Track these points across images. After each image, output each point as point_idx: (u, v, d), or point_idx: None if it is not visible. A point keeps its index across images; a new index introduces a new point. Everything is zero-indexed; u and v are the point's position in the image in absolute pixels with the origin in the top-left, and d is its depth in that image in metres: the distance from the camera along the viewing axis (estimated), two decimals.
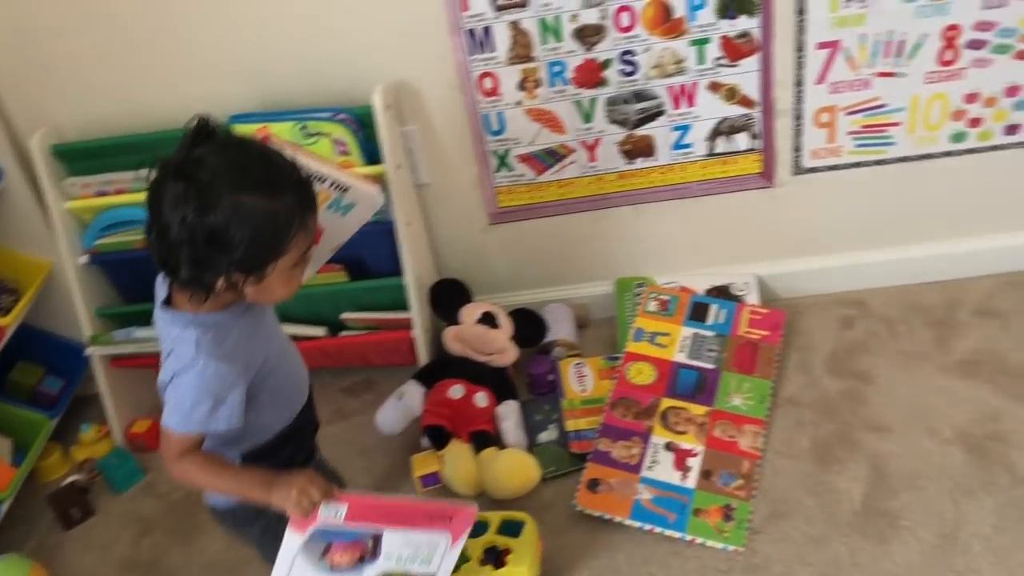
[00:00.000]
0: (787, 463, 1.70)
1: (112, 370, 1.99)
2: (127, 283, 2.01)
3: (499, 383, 1.85)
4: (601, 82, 1.79)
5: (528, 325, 1.96)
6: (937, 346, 1.87)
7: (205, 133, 1.13)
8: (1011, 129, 1.83)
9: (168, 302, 1.21)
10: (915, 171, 1.89)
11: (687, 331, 1.94)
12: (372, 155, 1.80)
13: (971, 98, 1.79)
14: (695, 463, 1.71)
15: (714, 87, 1.79)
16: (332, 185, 1.28)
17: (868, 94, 1.79)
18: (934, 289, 2.01)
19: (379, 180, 1.79)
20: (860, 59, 1.75)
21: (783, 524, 1.60)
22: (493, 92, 1.81)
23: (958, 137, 1.84)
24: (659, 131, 1.85)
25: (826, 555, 1.53)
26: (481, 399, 1.80)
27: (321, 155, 1.47)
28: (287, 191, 1.13)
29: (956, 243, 1.99)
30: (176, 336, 1.19)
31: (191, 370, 1.16)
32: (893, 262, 2.01)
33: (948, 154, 1.87)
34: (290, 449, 1.36)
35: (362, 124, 1.79)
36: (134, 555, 1.80)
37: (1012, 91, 1.78)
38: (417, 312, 1.86)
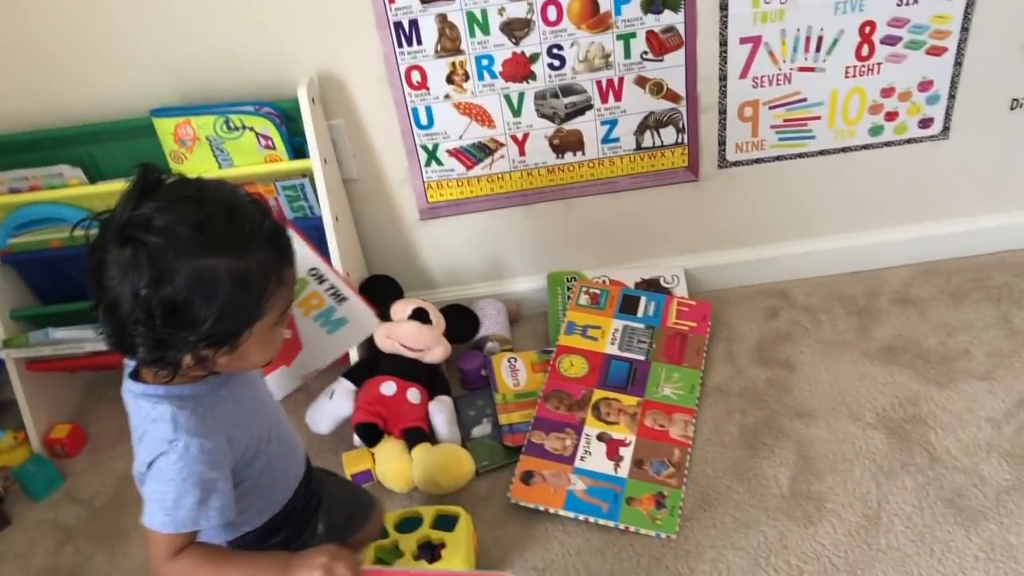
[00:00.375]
0: (716, 450, 1.73)
1: (28, 374, 1.91)
2: (43, 284, 1.94)
3: (431, 379, 1.84)
4: (529, 76, 1.80)
5: (460, 320, 1.95)
6: (858, 334, 1.93)
7: (151, 184, 0.94)
8: (925, 123, 1.89)
9: (135, 374, 1.04)
10: (835, 164, 1.94)
11: (618, 324, 1.96)
12: (298, 150, 1.78)
13: (887, 92, 1.85)
14: (627, 453, 1.72)
15: (640, 81, 1.82)
16: (330, 290, 1.14)
17: (789, 88, 1.83)
18: (855, 279, 2.07)
19: (305, 174, 1.78)
20: (781, 54, 1.79)
21: (714, 510, 1.62)
22: (421, 85, 1.80)
23: (875, 131, 1.90)
24: (587, 125, 1.87)
25: (756, 539, 1.56)
26: (413, 395, 1.78)
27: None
28: (258, 245, 0.96)
29: (875, 234, 2.05)
30: (146, 414, 1.02)
31: (171, 453, 0.99)
32: (815, 253, 2.06)
33: (866, 147, 1.92)
34: (285, 534, 1.19)
35: (287, 118, 1.76)
36: (54, 564, 1.73)
37: (925, 86, 1.84)
38: None
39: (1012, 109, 1.88)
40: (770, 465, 1.69)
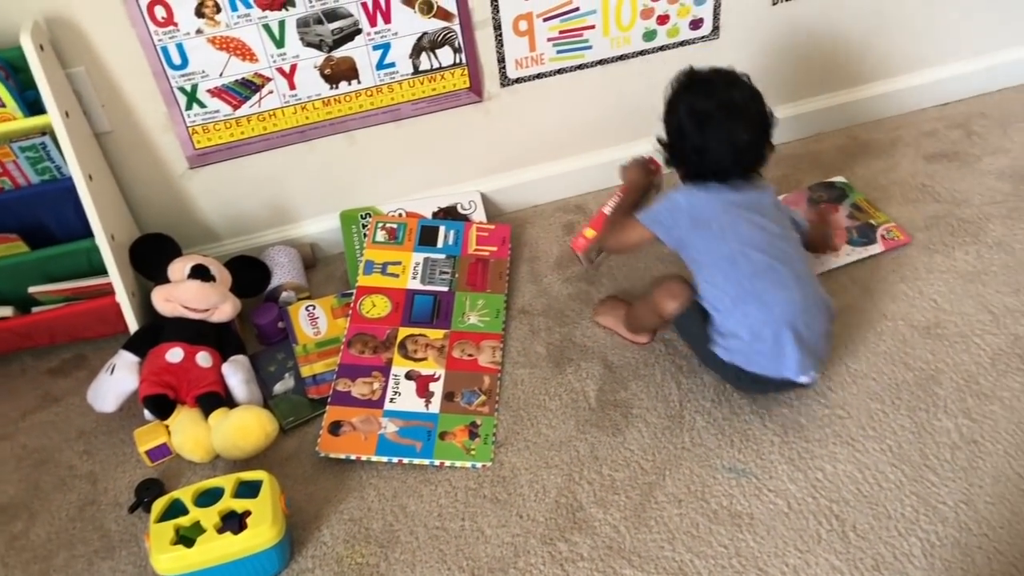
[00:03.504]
0: (525, 372, 1.73)
1: None
2: None
3: (222, 339, 1.73)
4: (288, 2, 1.66)
5: (248, 272, 1.83)
6: None
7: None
8: (695, 24, 1.91)
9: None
10: (615, 72, 1.93)
11: (418, 257, 1.90)
12: (33, 104, 1.58)
13: None
14: (437, 387, 1.69)
15: (409, 1, 1.72)
16: None
17: None
18: None
19: (45, 131, 1.59)
20: None
21: (527, 432, 1.62)
22: (168, 22, 1.63)
23: (649, 36, 1.90)
24: (359, 51, 1.76)
25: (569, 455, 1.58)
26: (203, 359, 1.66)
27: None
28: None
29: None
30: None
31: None
32: (606, 164, 2.05)
33: (642, 53, 1.92)
34: None
35: (14, 69, 1.56)
36: None
37: None
38: (117, 275, 1.68)
39: (774, 4, 1.93)
40: (577, 379, 1.70)
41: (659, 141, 1.64)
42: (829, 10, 1.97)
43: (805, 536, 1.43)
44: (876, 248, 1.87)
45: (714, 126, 1.52)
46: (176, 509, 1.44)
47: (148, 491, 1.56)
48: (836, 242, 1.85)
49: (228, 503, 1.42)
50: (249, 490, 1.45)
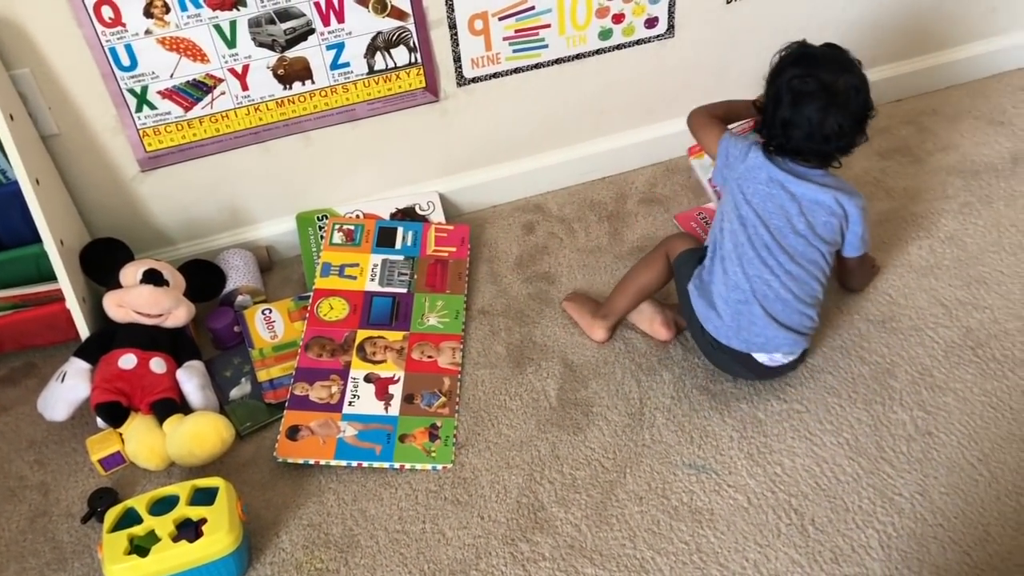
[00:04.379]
0: (485, 372, 1.72)
1: None
2: None
3: (177, 344, 1.69)
4: (239, 2, 1.64)
5: (202, 276, 1.80)
6: (611, 238, 1.96)
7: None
8: (651, 22, 1.92)
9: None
10: (571, 71, 1.93)
11: (376, 258, 1.89)
12: None
13: None
14: (397, 390, 1.67)
15: (362, 1, 1.70)
16: None
17: None
18: (604, 184, 2.10)
19: None
20: None
21: (487, 433, 1.61)
22: (116, 22, 1.60)
23: (605, 34, 1.90)
24: (312, 51, 1.74)
25: (530, 455, 1.57)
26: (157, 365, 1.63)
27: None
28: None
29: (618, 137, 2.08)
30: None
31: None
32: (565, 164, 2.07)
33: (599, 52, 1.92)
34: None
35: None
36: None
37: None
38: (67, 281, 1.64)
39: (728, 3, 1.94)
40: (538, 379, 1.70)
41: (754, 104, 1.65)
42: (782, 8, 1.98)
43: (764, 531, 1.44)
44: None
45: (809, 106, 1.50)
46: (130, 518, 1.41)
47: (101, 501, 1.53)
48: (860, 285, 1.81)
49: (183, 511, 1.40)
50: (205, 497, 1.43)
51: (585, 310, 1.77)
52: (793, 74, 1.53)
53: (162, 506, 1.42)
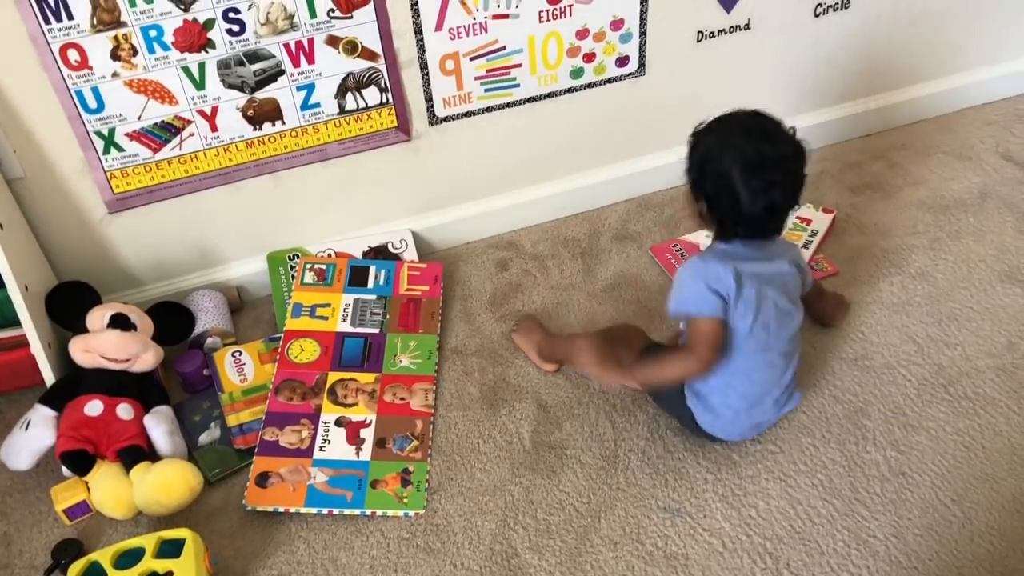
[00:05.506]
0: (458, 415, 1.70)
1: None
2: None
3: (144, 389, 1.67)
4: (207, 44, 1.63)
5: (171, 319, 1.78)
6: (585, 275, 1.96)
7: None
8: (622, 61, 1.92)
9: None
10: (544, 110, 1.93)
11: (348, 298, 1.87)
12: None
13: (582, 34, 1.85)
14: (368, 433, 1.65)
15: (332, 41, 1.70)
16: None
17: (487, 38, 1.79)
18: (578, 220, 2.10)
19: None
20: (473, 3, 1.73)
21: (460, 477, 1.60)
22: (82, 65, 1.58)
23: (576, 73, 1.91)
24: (282, 92, 1.73)
25: (503, 500, 1.56)
26: (124, 411, 1.60)
27: None
28: None
29: (592, 174, 2.08)
30: None
31: None
32: (538, 200, 2.06)
33: (571, 90, 1.93)
34: None
35: None
36: None
37: (616, 24, 1.86)
38: (32, 327, 1.61)
39: (699, 41, 1.95)
40: (511, 420, 1.68)
41: (693, 186, 1.48)
42: (751, 48, 2.00)
43: (740, 575, 1.42)
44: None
45: (760, 180, 1.38)
46: (94, 572, 1.38)
47: (66, 552, 1.49)
48: (837, 320, 1.80)
49: (149, 564, 1.37)
50: (172, 548, 1.40)
51: (533, 344, 1.77)
52: (741, 147, 1.41)
53: (127, 559, 1.39)
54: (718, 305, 1.43)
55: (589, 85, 1.93)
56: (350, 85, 1.77)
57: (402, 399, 1.71)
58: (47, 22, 1.52)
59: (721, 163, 1.41)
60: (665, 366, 1.51)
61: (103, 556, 1.39)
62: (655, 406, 1.66)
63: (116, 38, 1.57)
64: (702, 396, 1.53)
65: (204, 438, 1.67)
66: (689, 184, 1.49)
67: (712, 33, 1.95)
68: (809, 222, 1.99)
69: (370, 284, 1.90)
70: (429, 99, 1.84)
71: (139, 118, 1.67)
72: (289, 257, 1.95)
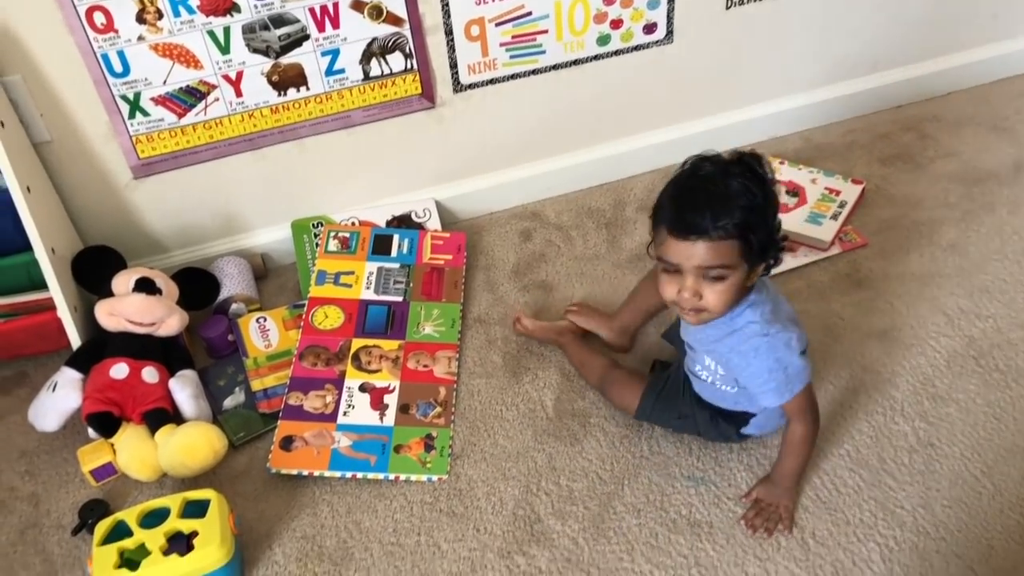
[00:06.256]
0: (481, 382, 1.70)
1: None
2: None
3: (170, 354, 1.68)
4: (232, 8, 1.62)
5: (196, 284, 1.78)
6: (609, 246, 1.94)
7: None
8: (649, 28, 1.90)
9: None
10: (569, 77, 1.91)
11: (372, 266, 1.87)
12: None
13: (609, 0, 1.83)
14: (392, 399, 1.65)
15: (358, 6, 1.69)
16: None
17: (513, 3, 1.77)
18: (602, 191, 2.08)
19: None
20: None
21: (483, 443, 1.59)
22: (108, 28, 1.58)
23: (603, 40, 1.88)
24: (307, 57, 1.72)
25: (526, 466, 1.55)
26: (150, 374, 1.61)
27: None
28: None
29: (617, 144, 2.06)
30: None
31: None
32: (562, 170, 2.05)
33: (597, 58, 1.91)
34: None
35: None
36: None
37: None
38: (59, 289, 1.62)
39: (728, 8, 1.92)
40: (534, 389, 1.67)
41: (765, 232, 1.27)
42: (782, 15, 1.96)
43: (764, 544, 1.41)
44: (834, 250, 1.87)
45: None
46: (120, 531, 1.39)
47: (92, 512, 1.51)
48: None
49: (174, 523, 1.38)
50: (197, 509, 1.41)
51: (598, 323, 1.73)
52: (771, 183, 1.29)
53: (153, 519, 1.40)
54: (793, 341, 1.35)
55: (616, 52, 1.91)
56: (375, 51, 1.76)
57: (425, 366, 1.71)
58: None
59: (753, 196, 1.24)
60: (803, 453, 1.42)
61: (129, 515, 1.40)
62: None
63: (142, 1, 1.57)
64: (756, 424, 1.49)
65: (229, 402, 1.68)
66: (739, 252, 1.25)
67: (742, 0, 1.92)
68: (838, 193, 1.96)
69: (393, 253, 1.89)
70: (454, 65, 1.82)
71: (164, 82, 1.67)
72: (313, 225, 1.95)
